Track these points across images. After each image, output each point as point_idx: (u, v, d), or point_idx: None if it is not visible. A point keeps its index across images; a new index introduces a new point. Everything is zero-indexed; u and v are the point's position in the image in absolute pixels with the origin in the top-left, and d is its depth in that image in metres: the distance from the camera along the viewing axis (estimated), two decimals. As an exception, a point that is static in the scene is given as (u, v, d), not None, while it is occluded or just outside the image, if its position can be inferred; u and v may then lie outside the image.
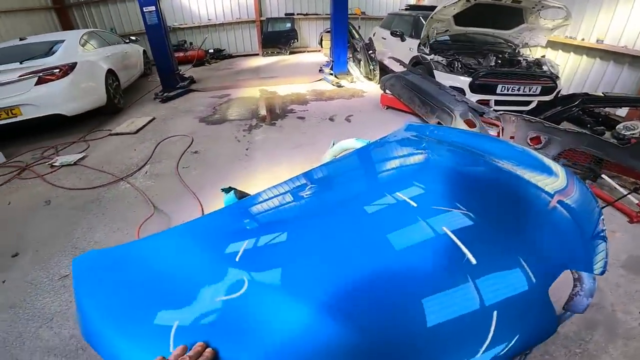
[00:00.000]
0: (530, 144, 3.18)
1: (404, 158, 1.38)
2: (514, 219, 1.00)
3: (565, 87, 5.20)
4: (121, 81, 5.74)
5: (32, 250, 2.39)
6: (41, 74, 4.18)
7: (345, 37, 6.43)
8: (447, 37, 5.31)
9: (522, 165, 1.25)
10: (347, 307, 0.73)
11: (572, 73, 5.27)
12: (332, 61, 6.69)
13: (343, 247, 0.91)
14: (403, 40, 5.80)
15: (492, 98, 4.31)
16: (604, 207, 2.61)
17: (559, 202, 1.07)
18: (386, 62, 6.46)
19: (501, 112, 3.30)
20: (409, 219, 0.96)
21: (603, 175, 2.86)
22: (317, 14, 10.12)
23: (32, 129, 4.46)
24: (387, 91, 4.83)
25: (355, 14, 9.54)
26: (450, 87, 4.34)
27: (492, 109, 4.23)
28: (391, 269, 0.82)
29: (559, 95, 4.34)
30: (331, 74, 6.65)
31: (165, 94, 5.96)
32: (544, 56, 4.99)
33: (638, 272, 2.02)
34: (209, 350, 0.66)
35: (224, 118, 4.88)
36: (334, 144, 1.84)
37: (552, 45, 5.48)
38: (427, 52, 4.99)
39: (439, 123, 3.73)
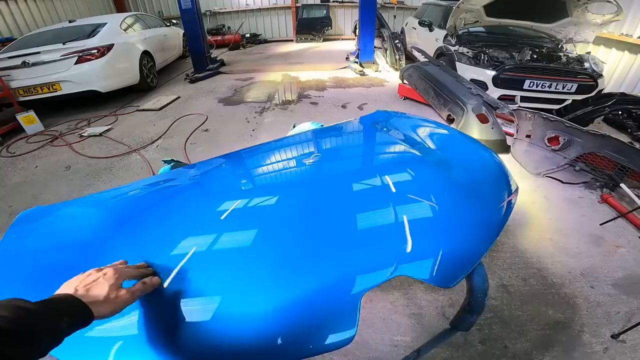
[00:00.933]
0: (549, 144, 2.92)
1: (341, 139, 1.39)
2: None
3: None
4: (157, 62, 6.12)
5: (44, 207, 2.69)
6: (81, 54, 4.60)
7: (372, 26, 6.26)
8: (480, 28, 4.97)
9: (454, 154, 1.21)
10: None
11: (611, 71, 4.69)
12: (359, 50, 6.56)
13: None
14: (431, 30, 5.55)
15: (518, 94, 3.99)
16: (616, 218, 2.35)
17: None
18: (414, 52, 6.20)
19: (516, 108, 3.05)
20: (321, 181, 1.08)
21: (622, 185, 2.56)
22: (352, 2, 9.91)
23: (71, 102, 4.95)
24: (405, 81, 4.66)
25: (391, 3, 9.19)
26: (472, 80, 4.10)
27: (516, 105, 3.94)
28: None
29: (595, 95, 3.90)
30: (356, 62, 6.52)
31: (194, 75, 6.26)
32: (589, 52, 4.48)
33: (629, 292, 1.82)
34: (156, 278, 0.70)
35: (241, 100, 5.03)
36: (294, 126, 1.85)
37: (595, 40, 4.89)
38: (453, 43, 4.71)
39: (449, 116, 3.55)
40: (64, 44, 4.63)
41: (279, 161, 1.27)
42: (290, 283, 0.74)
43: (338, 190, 1.02)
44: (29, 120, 4.37)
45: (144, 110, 4.86)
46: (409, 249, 0.81)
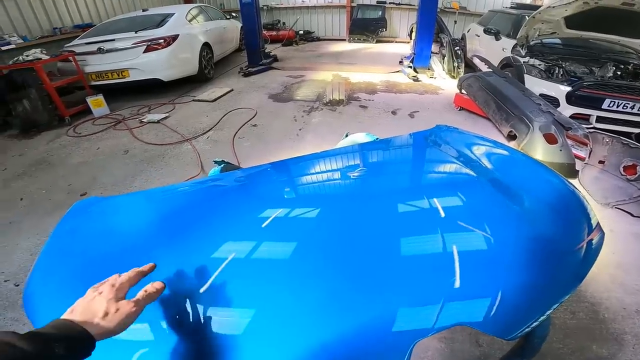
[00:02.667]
0: (624, 173, 2.58)
1: (396, 154, 1.29)
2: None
3: None
4: (215, 54, 6.36)
5: (97, 192, 2.88)
6: (149, 43, 4.89)
7: (431, 31, 5.98)
8: (556, 40, 4.54)
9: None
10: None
11: None
12: (414, 54, 6.31)
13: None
14: (497, 39, 5.18)
15: (594, 113, 3.58)
16: None
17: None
18: (475, 61, 5.84)
19: (592, 130, 2.72)
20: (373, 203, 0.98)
21: None
22: (410, 5, 9.59)
23: (135, 89, 5.29)
24: (463, 91, 4.38)
25: (453, 8, 8.79)
26: (541, 95, 3.75)
27: (590, 125, 3.54)
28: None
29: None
30: (410, 67, 6.28)
31: (248, 69, 6.42)
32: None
33: None
34: (158, 283, 0.64)
35: (291, 97, 5.06)
36: (347, 135, 1.78)
37: None
38: (523, 54, 4.34)
39: (510, 133, 3.27)
40: (135, 32, 4.95)
41: (326, 174, 1.21)
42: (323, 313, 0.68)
43: (384, 213, 0.94)
44: (97, 104, 4.73)
45: (199, 100, 5.07)
46: (457, 284, 0.71)
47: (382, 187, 1.11)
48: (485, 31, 5.47)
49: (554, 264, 0.81)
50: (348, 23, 9.86)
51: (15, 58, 4.48)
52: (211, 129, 4.02)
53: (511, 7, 6.23)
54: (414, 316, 0.66)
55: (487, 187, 1.04)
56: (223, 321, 0.67)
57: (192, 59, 5.50)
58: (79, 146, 3.85)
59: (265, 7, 9.99)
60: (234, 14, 8.09)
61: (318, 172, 1.23)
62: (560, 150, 2.85)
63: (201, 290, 0.72)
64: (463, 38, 7.37)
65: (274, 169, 1.30)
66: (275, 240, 0.85)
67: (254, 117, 4.32)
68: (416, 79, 5.92)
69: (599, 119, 3.56)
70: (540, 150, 2.91)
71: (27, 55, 4.44)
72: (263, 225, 0.89)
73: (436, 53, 7.07)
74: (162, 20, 5.35)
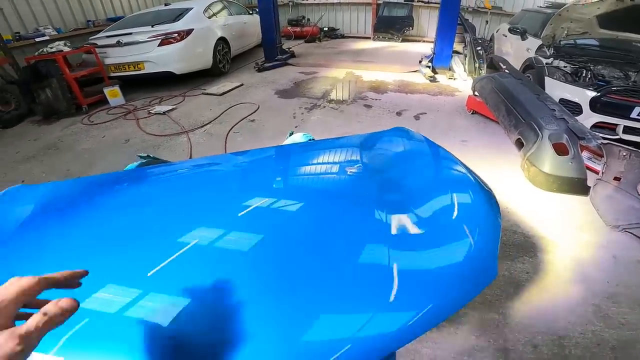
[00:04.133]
0: (641, 193, 2.24)
1: (325, 156, 1.17)
2: None
3: None
4: (233, 48, 6.42)
5: (94, 173, 2.98)
6: (163, 37, 5.03)
7: (452, 30, 5.66)
8: (591, 41, 4.10)
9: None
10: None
11: None
12: (434, 54, 6.00)
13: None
14: (524, 39, 4.78)
15: (622, 123, 3.17)
16: None
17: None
18: (495, 61, 5.44)
19: (606, 142, 2.40)
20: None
21: None
22: (439, 4, 9.15)
23: (151, 81, 5.47)
24: (476, 93, 4.07)
25: (485, 8, 8.28)
26: (562, 100, 3.39)
27: (617, 136, 3.15)
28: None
29: None
30: (428, 67, 5.97)
31: (263, 64, 6.43)
32: None
33: None
34: (65, 300, 0.38)
35: (297, 94, 4.99)
36: (291, 134, 1.68)
37: None
38: (548, 54, 3.95)
39: (518, 140, 2.97)
40: (152, 26, 5.10)
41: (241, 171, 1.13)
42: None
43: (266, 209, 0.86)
44: (113, 94, 4.95)
45: (208, 94, 5.14)
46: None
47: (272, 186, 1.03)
48: (510, 30, 5.07)
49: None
50: (373, 21, 9.61)
51: (41, 49, 4.78)
52: (210, 122, 4.04)
53: (546, 7, 5.75)
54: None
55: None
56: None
57: (205, 53, 5.58)
58: (88, 134, 4.03)
59: (290, 3, 9.98)
60: (257, 9, 8.14)
61: (236, 169, 1.16)
62: (571, 162, 2.53)
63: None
64: (492, 39, 6.93)
65: (196, 165, 1.23)
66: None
67: (254, 112, 4.30)
68: (433, 80, 5.61)
69: (627, 130, 3.15)
70: (547, 162, 2.61)
71: (51, 47, 4.72)
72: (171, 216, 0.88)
73: (460, 53, 6.70)
74: (179, 14, 5.47)
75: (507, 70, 4.23)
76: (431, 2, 9.24)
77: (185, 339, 0.57)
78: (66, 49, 4.72)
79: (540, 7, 6.11)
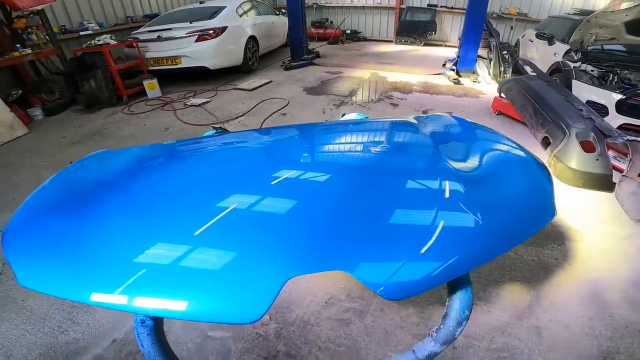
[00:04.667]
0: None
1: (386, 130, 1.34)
2: None
3: None
4: (260, 47, 6.68)
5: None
6: (200, 33, 5.30)
7: (478, 34, 5.76)
8: (619, 46, 4.17)
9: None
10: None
11: None
12: (458, 57, 6.11)
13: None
14: (551, 44, 4.89)
15: (648, 125, 3.24)
16: None
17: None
18: (525, 66, 5.52)
19: (632, 139, 2.49)
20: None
21: None
22: (463, 9, 9.25)
23: (185, 75, 5.75)
24: (502, 95, 4.18)
25: (510, 14, 8.35)
26: (588, 102, 3.48)
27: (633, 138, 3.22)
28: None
29: None
30: (452, 70, 6.09)
31: (290, 63, 6.66)
32: None
33: None
34: None
35: (324, 91, 5.18)
36: (343, 115, 1.85)
37: None
38: (576, 58, 4.05)
39: (545, 139, 3.08)
40: (190, 22, 5.38)
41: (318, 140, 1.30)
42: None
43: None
44: (151, 87, 5.24)
45: (239, 89, 5.39)
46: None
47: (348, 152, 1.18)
48: (537, 36, 5.16)
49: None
50: (396, 25, 9.76)
51: (88, 42, 5.11)
52: (244, 114, 4.27)
53: (574, 14, 5.82)
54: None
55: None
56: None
57: (237, 50, 5.84)
58: (130, 122, 4.31)
59: (314, 5, 10.24)
60: (283, 11, 8.39)
61: (308, 138, 1.33)
62: (597, 159, 2.63)
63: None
64: (517, 44, 7.02)
65: (268, 133, 1.41)
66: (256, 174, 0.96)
67: (285, 106, 4.51)
68: (457, 82, 5.73)
69: (654, 133, 3.21)
70: (574, 159, 2.71)
71: (98, 40, 5.04)
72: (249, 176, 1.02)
73: (484, 58, 6.78)
74: (214, 12, 5.75)
75: (533, 73, 4.33)
76: (455, 8, 9.35)
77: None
78: (112, 42, 5.04)
79: (568, 14, 6.18)
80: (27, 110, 4.63)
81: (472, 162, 1.04)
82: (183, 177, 1.05)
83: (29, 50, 4.69)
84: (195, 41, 5.30)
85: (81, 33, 5.74)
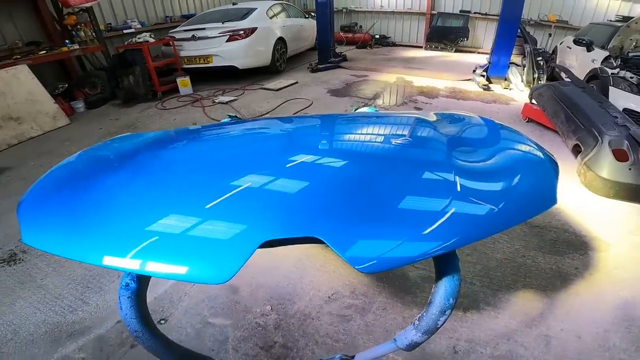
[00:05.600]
0: None
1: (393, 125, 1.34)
2: None
3: None
4: (289, 49, 6.83)
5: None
6: (231, 33, 5.51)
7: (511, 40, 5.59)
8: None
9: None
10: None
11: None
12: (489, 63, 5.93)
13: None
14: (589, 50, 4.65)
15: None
16: None
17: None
18: (562, 73, 5.28)
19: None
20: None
21: None
22: (498, 16, 8.97)
23: (215, 74, 5.98)
24: (533, 101, 4.01)
25: (549, 21, 8.01)
26: (625, 110, 3.27)
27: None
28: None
29: None
30: (482, 76, 5.91)
31: (317, 66, 6.76)
32: None
33: None
34: None
35: (348, 93, 5.20)
36: (355, 109, 1.86)
37: None
38: (615, 65, 3.82)
39: (576, 147, 2.93)
40: (222, 23, 5.61)
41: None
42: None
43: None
44: (184, 84, 5.50)
45: (265, 89, 5.54)
46: None
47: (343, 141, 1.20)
48: (575, 42, 4.92)
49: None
50: (426, 30, 9.62)
51: (130, 39, 5.46)
52: (268, 112, 4.38)
53: (616, 20, 5.50)
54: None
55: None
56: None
57: (266, 51, 6.01)
58: (161, 117, 4.55)
59: (344, 10, 10.31)
60: (312, 14, 8.53)
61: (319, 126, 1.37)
62: (630, 169, 2.47)
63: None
64: (555, 51, 6.73)
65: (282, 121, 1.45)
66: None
67: (308, 107, 4.58)
68: (486, 88, 5.56)
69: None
70: (606, 168, 2.56)
71: (138, 38, 5.38)
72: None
73: (518, 65, 6.54)
74: (245, 13, 5.96)
75: (568, 79, 4.13)
76: (489, 15, 9.08)
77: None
78: (151, 40, 5.35)
79: (610, 20, 5.85)
80: (71, 102, 5.01)
81: (472, 145, 1.03)
82: (182, 152, 1.13)
83: (76, 46, 5.09)
84: (227, 41, 5.51)
85: (125, 31, 6.13)
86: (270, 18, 6.32)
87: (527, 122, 4.10)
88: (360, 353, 1.06)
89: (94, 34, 5.35)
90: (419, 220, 0.72)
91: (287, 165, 0.94)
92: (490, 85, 5.68)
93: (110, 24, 6.15)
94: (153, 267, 0.63)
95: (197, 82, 5.84)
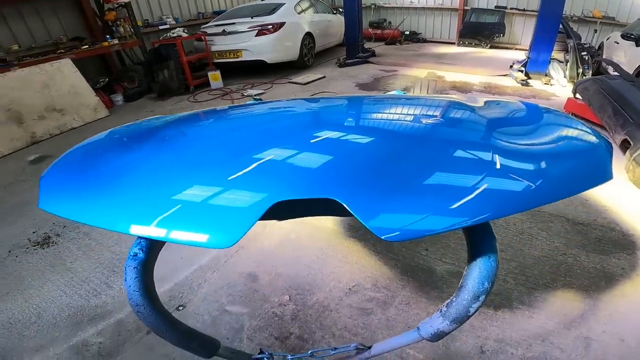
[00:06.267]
0: None
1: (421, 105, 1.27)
2: None
3: None
4: (317, 44, 6.80)
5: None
6: (260, 28, 5.57)
7: (551, 34, 5.27)
8: None
9: None
10: None
11: None
12: (528, 58, 5.62)
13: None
14: (638, 45, 4.30)
15: None
16: None
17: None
18: (607, 66, 4.91)
19: None
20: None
21: None
22: (537, 12, 8.46)
23: (246, 68, 6.07)
24: (578, 96, 3.74)
25: (594, 17, 7.48)
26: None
27: None
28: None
29: None
30: (520, 71, 5.60)
31: (345, 61, 6.68)
32: None
33: None
34: None
35: (376, 87, 5.10)
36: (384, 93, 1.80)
37: None
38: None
39: (624, 142, 2.68)
40: (251, 17, 5.69)
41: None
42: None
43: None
44: (214, 78, 5.63)
45: (293, 82, 5.56)
46: None
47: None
48: (624, 37, 4.58)
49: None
50: (459, 26, 9.26)
51: (164, 35, 5.66)
52: (295, 105, 4.39)
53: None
54: None
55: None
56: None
57: (294, 45, 6.02)
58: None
59: (372, 6, 10.14)
60: (341, 10, 8.44)
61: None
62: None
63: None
64: (600, 47, 6.30)
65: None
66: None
67: (335, 100, 4.53)
68: (525, 83, 5.26)
69: None
70: (659, 166, 2.33)
71: (172, 33, 5.57)
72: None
73: (560, 61, 6.15)
74: (274, 8, 5.99)
75: (615, 73, 3.82)
76: (527, 10, 8.61)
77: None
78: (184, 35, 5.52)
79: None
80: (111, 96, 5.28)
81: (512, 124, 0.95)
82: (205, 129, 1.14)
83: (116, 41, 5.35)
84: (255, 35, 5.58)
85: (160, 27, 6.37)
86: (299, 13, 6.32)
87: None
88: (379, 343, 1.00)
89: (132, 29, 5.60)
90: (448, 193, 0.66)
91: (312, 141, 0.90)
92: (529, 80, 5.38)
93: (147, 20, 6.42)
94: (158, 232, 0.63)
95: (228, 76, 5.96)
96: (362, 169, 0.75)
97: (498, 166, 0.73)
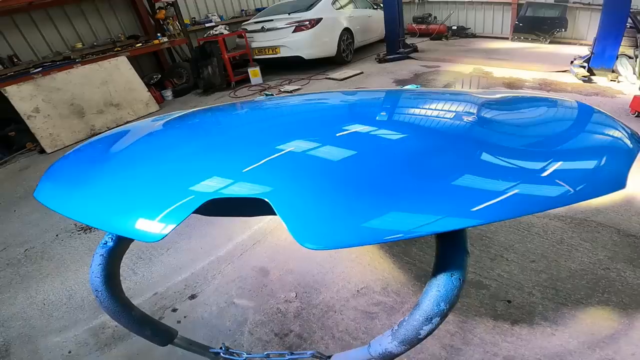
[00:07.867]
0: None
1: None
2: None
3: None
4: (356, 40, 6.68)
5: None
6: (297, 24, 5.60)
7: (619, 28, 4.68)
8: None
9: None
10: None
11: None
12: (592, 53, 5.03)
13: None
14: None
15: None
16: None
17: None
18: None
19: None
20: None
21: None
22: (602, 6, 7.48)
23: (285, 64, 6.15)
24: (648, 94, 3.25)
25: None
26: None
27: None
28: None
29: None
30: (582, 67, 5.03)
31: (385, 56, 6.49)
32: None
33: None
34: None
35: (415, 83, 4.87)
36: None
37: None
38: None
39: None
40: (289, 14, 5.73)
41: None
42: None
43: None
44: (254, 74, 5.79)
45: (330, 78, 5.53)
46: None
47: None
48: None
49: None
50: (513, 21, 8.54)
51: (207, 32, 5.93)
52: (327, 101, 4.35)
53: None
54: None
55: None
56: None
57: (331, 41, 5.97)
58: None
59: (417, 0, 9.73)
60: (382, 5, 8.20)
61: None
62: None
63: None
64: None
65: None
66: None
67: (369, 96, 4.42)
68: (587, 80, 4.73)
69: None
70: None
71: (215, 30, 5.81)
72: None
73: (629, 57, 5.43)
74: (311, 4, 5.97)
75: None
76: (592, 4, 7.69)
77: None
78: (226, 32, 5.74)
79: None
80: (161, 91, 5.65)
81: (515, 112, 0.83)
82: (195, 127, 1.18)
83: (165, 39, 5.71)
84: (293, 32, 5.62)
85: (206, 25, 6.68)
86: (337, 9, 6.24)
87: (635, 116, 3.37)
88: (338, 354, 0.93)
89: (180, 27, 5.93)
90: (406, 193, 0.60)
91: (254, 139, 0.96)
92: (592, 77, 4.82)
93: (194, 18, 6.76)
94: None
95: (267, 72, 6.09)
96: (311, 170, 0.71)
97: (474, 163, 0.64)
